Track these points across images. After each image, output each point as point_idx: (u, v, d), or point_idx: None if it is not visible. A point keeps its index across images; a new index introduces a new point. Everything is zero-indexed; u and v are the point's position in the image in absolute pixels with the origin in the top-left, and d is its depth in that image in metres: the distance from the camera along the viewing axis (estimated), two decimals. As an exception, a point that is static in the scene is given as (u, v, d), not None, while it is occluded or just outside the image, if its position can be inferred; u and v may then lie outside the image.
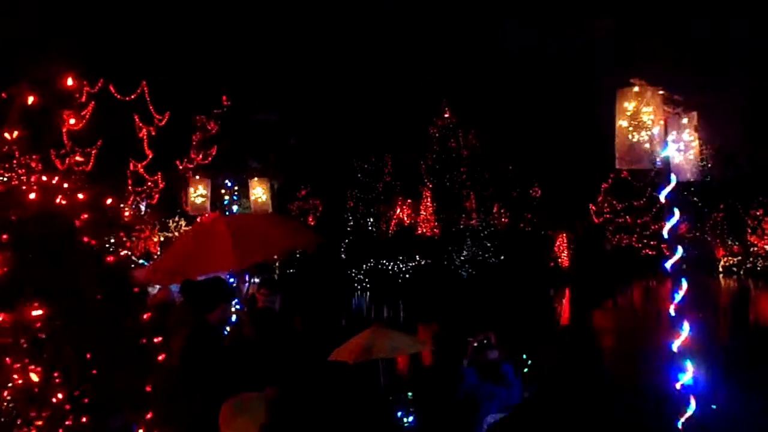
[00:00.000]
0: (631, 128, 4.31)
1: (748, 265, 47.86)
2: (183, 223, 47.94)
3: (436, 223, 46.46)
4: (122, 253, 4.32)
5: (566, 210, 48.57)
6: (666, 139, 4.70)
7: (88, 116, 34.97)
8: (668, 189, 4.58)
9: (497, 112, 46.67)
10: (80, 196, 4.07)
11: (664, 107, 4.54)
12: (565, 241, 47.29)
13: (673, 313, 4.48)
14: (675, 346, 4.45)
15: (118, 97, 39.24)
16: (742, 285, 41.71)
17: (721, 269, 48.44)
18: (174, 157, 40.76)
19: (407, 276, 36.91)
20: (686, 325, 4.44)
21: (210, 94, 45.42)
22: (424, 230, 46.34)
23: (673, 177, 4.62)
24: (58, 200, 3.76)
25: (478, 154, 49.20)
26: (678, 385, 4.40)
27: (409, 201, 48.85)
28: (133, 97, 40.95)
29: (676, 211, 4.55)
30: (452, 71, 47.59)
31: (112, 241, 4.31)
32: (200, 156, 39.01)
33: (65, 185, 4.03)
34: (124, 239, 4.25)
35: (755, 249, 48.93)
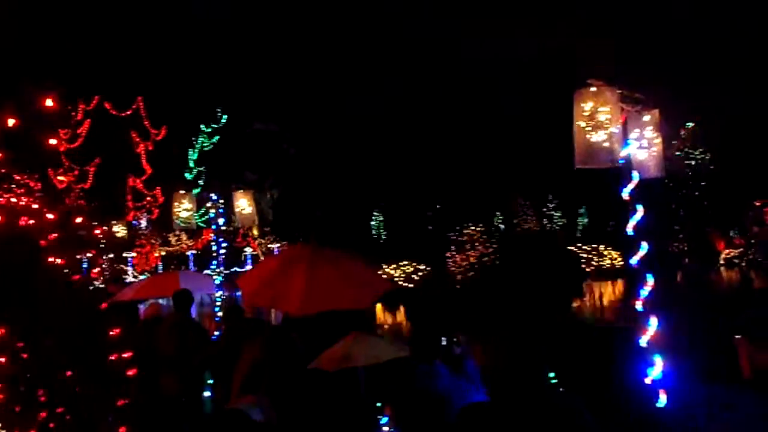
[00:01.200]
0: (589, 128, 4.37)
1: (750, 256, 47.84)
2: (184, 237, 48.06)
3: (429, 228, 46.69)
4: (95, 271, 4.37)
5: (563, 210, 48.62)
6: (628, 137, 4.76)
7: (84, 133, 35.12)
8: (631, 186, 4.64)
9: (490, 116, 46.77)
10: (49, 216, 4.12)
11: (623, 105, 4.60)
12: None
13: (640, 309, 4.52)
14: (643, 341, 4.49)
15: (114, 113, 39.41)
16: (745, 276, 41.66)
17: (722, 261, 48.41)
18: (173, 171, 40.78)
19: (407, 282, 37.00)
20: (654, 320, 4.49)
21: (208, 105, 45.58)
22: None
23: (635, 174, 4.67)
24: (23, 221, 3.83)
25: (473, 158, 49.43)
26: (648, 380, 4.44)
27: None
28: (129, 113, 41.12)
29: (640, 208, 4.61)
30: (447, 78, 47.70)
31: (87, 258, 4.36)
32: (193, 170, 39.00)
33: (34, 206, 4.08)
34: (96, 259, 4.30)
35: (754, 240, 48.90)
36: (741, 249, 48.90)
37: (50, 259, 3.83)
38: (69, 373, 4.04)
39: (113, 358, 3.97)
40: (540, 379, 2.96)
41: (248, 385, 4.12)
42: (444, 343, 4.83)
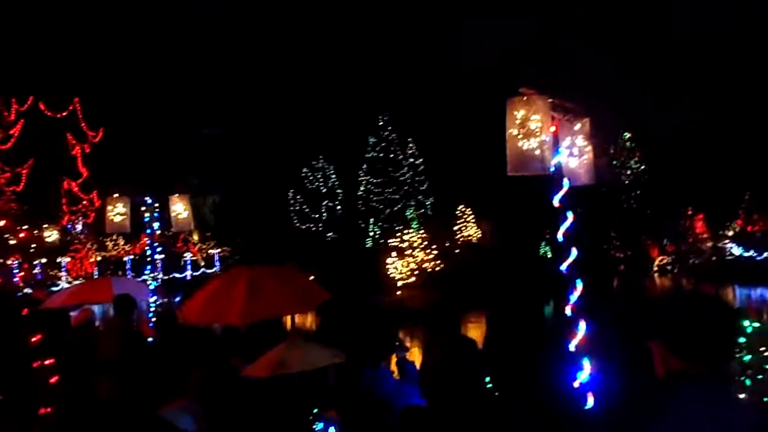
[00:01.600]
0: (520, 136, 4.45)
1: (682, 264, 49.35)
2: (121, 241, 47.01)
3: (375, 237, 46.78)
4: (19, 276, 4.23)
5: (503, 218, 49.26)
6: (559, 145, 4.86)
7: (17, 134, 34.03)
8: (561, 193, 4.73)
9: (432, 123, 47.16)
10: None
11: (554, 114, 4.69)
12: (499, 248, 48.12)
13: (569, 314, 4.61)
14: (572, 345, 4.58)
15: (50, 114, 38.34)
16: (676, 282, 42.99)
17: (656, 268, 49.79)
18: (111, 174, 39.90)
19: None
20: (582, 325, 4.59)
21: (150, 108, 44.79)
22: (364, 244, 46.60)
23: (566, 181, 4.77)
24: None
25: (417, 163, 49.73)
26: (576, 384, 4.53)
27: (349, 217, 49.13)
28: (65, 114, 40.07)
29: (570, 215, 4.70)
30: (390, 84, 47.84)
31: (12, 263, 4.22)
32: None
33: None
34: (20, 262, 4.16)
35: (686, 248, 50.52)
36: (673, 256, 50.41)
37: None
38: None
39: (35, 365, 3.85)
40: (477, 383, 3.01)
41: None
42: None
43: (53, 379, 3.93)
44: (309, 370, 5.72)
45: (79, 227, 43.75)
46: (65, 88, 39.52)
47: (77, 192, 41.22)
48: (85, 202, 41.00)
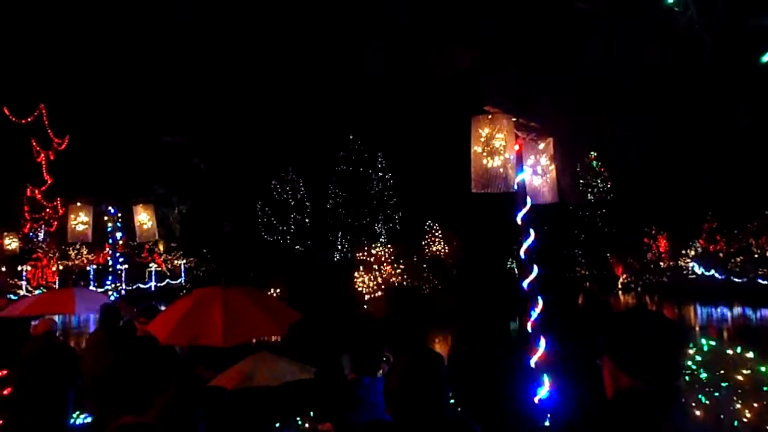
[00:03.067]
0: (485, 153, 4.50)
1: (645, 281, 50.09)
2: (84, 251, 46.29)
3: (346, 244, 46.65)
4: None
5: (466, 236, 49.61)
6: (523, 163, 4.93)
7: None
8: (524, 211, 4.79)
9: (398, 136, 47.35)
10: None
11: (518, 133, 4.76)
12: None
13: (530, 330, 4.66)
14: (532, 361, 4.63)
15: (14, 119, 37.74)
16: (639, 299, 43.59)
17: (620, 286, 50.45)
18: (76, 182, 39.28)
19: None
20: (542, 341, 4.64)
21: (116, 116, 44.26)
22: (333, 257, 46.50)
23: (528, 199, 4.84)
24: None
25: (386, 177, 49.81)
26: (536, 399, 4.58)
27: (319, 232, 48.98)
28: (30, 120, 39.46)
29: (532, 232, 4.76)
30: (355, 95, 47.91)
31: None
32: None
33: None
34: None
35: (651, 266, 51.34)
36: (637, 275, 51.14)
37: None
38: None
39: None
40: (441, 398, 3.00)
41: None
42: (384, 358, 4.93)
43: (6, 391, 3.86)
44: (274, 384, 5.71)
45: (41, 235, 42.99)
46: (30, 93, 38.96)
47: (40, 199, 40.59)
48: (48, 210, 40.35)
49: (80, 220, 8.63)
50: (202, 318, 6.59)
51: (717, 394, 5.88)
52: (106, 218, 8.89)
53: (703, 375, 5.86)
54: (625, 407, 2.18)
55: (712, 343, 6.17)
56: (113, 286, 9.40)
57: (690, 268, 50.59)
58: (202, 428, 3.69)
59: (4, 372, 3.93)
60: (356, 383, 4.71)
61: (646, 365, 2.18)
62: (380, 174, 49.80)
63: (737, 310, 36.57)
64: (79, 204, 8.86)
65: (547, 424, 4.46)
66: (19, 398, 4.48)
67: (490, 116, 4.57)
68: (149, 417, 4.57)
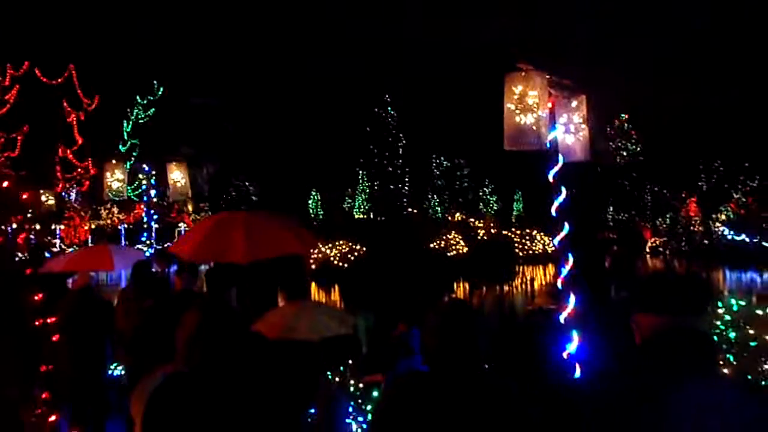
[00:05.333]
0: (518, 111, 4.51)
1: (674, 246, 49.73)
2: (115, 210, 46.99)
3: (372, 210, 46.90)
4: (21, 236, 4.30)
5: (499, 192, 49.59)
6: (556, 121, 4.93)
7: (13, 100, 33.85)
8: (556, 169, 4.81)
9: (430, 96, 47.05)
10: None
11: (551, 91, 4.75)
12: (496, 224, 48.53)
13: (560, 287, 4.71)
14: (562, 317, 4.69)
15: (45, 80, 38.07)
16: (667, 263, 43.33)
17: (648, 250, 50.15)
18: (107, 142, 39.65)
19: (342, 261, 37.10)
20: (572, 298, 4.69)
21: (146, 76, 44.46)
22: (360, 217, 46.73)
23: (560, 157, 4.85)
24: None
25: (414, 139, 49.67)
26: (565, 354, 4.65)
27: (349, 190, 49.12)
28: (60, 81, 39.79)
29: (564, 190, 4.78)
30: (386, 58, 47.62)
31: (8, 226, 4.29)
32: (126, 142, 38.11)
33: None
34: (23, 223, 4.24)
35: (679, 230, 50.94)
36: (665, 238, 50.73)
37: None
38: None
39: (37, 324, 3.93)
40: (475, 351, 3.04)
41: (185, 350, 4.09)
42: None
43: (55, 338, 4.02)
44: (314, 339, 5.76)
45: (73, 195, 43.64)
46: (61, 54, 39.20)
47: (72, 159, 41.07)
48: (80, 170, 40.83)
49: (116, 178, 8.80)
50: (224, 236, 6.83)
51: (745, 354, 5.93)
52: (141, 176, 9.03)
53: (732, 334, 5.90)
54: (651, 349, 2.26)
55: (742, 303, 6.19)
56: (148, 242, 9.57)
57: (720, 232, 50.05)
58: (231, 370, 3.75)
59: (54, 319, 4.09)
60: (407, 335, 4.80)
61: (668, 301, 2.30)
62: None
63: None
64: (114, 162, 9.02)
65: (577, 375, 4.53)
66: (58, 350, 4.67)
67: (523, 73, 4.57)
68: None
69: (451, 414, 2.98)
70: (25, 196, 4.81)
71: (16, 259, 4.06)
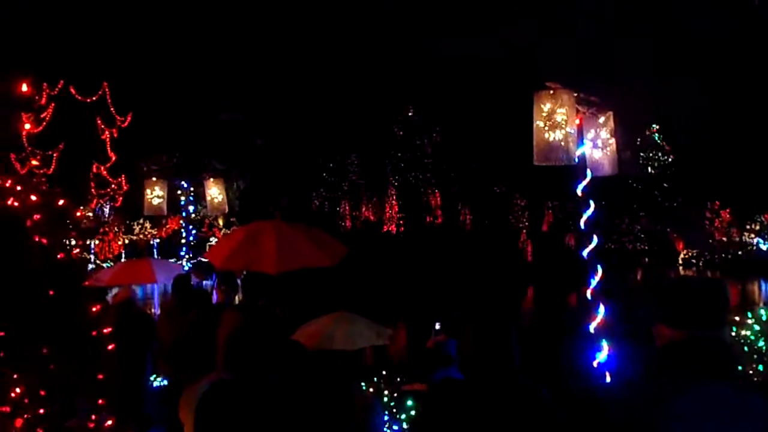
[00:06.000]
0: (547, 128, 4.68)
1: (707, 258, 49.08)
2: (148, 225, 47.74)
3: (401, 222, 47.02)
4: (75, 251, 4.55)
5: (530, 206, 49.56)
6: (584, 137, 5.09)
7: (49, 118, 34.70)
8: (584, 183, 4.96)
9: (459, 111, 47.19)
10: (33, 198, 4.30)
11: (579, 108, 4.91)
12: (526, 237, 48.43)
13: (589, 297, 4.85)
14: (592, 327, 4.82)
15: (79, 98, 38.94)
16: (699, 275, 42.81)
17: (681, 261, 49.58)
18: (138, 159, 40.40)
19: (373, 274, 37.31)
20: (602, 308, 4.82)
21: (175, 94, 45.26)
22: (389, 228, 46.88)
23: (588, 172, 5.00)
24: (10, 202, 4.02)
25: (443, 152, 49.71)
26: (595, 363, 4.78)
27: (375, 200, 49.28)
28: (95, 98, 40.65)
29: (592, 203, 4.93)
30: (413, 73, 47.94)
31: (69, 241, 4.54)
32: (164, 157, 38.86)
33: (18, 188, 4.26)
34: (77, 239, 4.50)
35: (712, 242, 50.29)
36: (698, 250, 50.11)
37: (36, 239, 4.02)
38: (45, 350, 4.21)
39: (94, 334, 4.18)
40: (510, 360, 3.19)
41: (228, 354, 4.28)
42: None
43: (110, 347, 4.26)
44: (350, 349, 5.91)
45: (106, 210, 44.45)
46: (94, 72, 40.05)
47: (106, 176, 41.83)
48: (113, 186, 41.58)
49: (156, 194, 9.11)
50: (256, 246, 7.02)
51: (775, 363, 5.98)
52: (179, 192, 9.33)
53: (761, 343, 5.96)
54: (668, 356, 2.38)
55: (772, 313, 6.25)
56: (188, 256, 9.87)
57: (755, 244, 49.34)
58: (274, 377, 3.94)
59: (110, 329, 4.33)
60: (446, 344, 4.97)
61: (685, 315, 2.39)
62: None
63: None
64: (154, 179, 9.33)
65: (608, 380, 4.65)
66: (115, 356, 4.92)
67: (551, 91, 4.74)
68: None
69: (487, 418, 3.12)
70: (79, 214, 5.05)
71: (76, 272, 4.32)
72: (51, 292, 3.90)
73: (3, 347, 4.06)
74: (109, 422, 4.14)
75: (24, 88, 5.39)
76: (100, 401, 4.15)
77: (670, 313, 2.41)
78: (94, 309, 4.20)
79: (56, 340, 4.13)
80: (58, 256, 4.11)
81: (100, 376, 4.16)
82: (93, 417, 4.19)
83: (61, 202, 4.53)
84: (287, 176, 48.79)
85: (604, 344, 4.77)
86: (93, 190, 41.28)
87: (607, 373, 4.69)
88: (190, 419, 3.94)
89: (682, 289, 2.47)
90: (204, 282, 9.76)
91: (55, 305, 3.90)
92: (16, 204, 4.12)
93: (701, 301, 2.41)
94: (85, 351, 4.12)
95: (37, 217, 4.16)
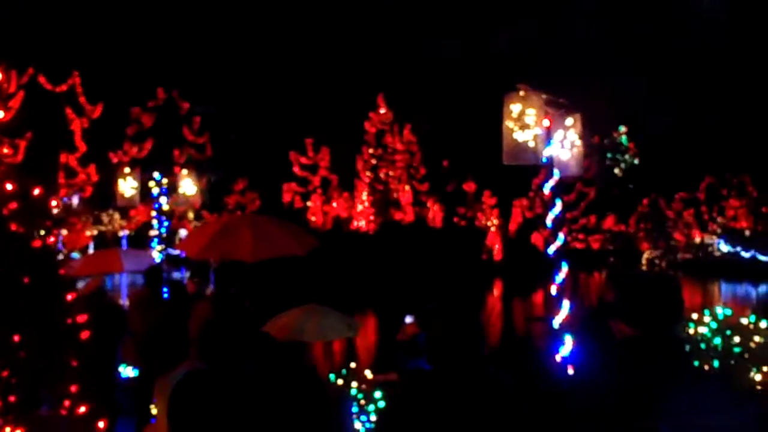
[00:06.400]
0: (516, 128, 4.84)
1: (670, 258, 49.95)
2: (117, 216, 47.25)
3: (371, 218, 47.06)
4: (50, 240, 4.60)
5: (499, 204, 49.96)
6: (551, 138, 5.25)
7: (17, 106, 34.17)
8: (551, 182, 5.12)
9: (430, 109, 47.46)
10: (8, 186, 4.34)
11: (548, 109, 5.08)
12: (498, 235, 48.82)
13: (554, 293, 5.02)
14: (555, 322, 5.00)
15: (49, 87, 38.39)
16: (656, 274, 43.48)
17: (644, 262, 50.37)
18: (108, 149, 39.96)
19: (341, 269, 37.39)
20: (566, 303, 5.00)
21: (146, 85, 44.84)
22: (359, 224, 46.95)
23: (556, 171, 5.17)
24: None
25: (413, 150, 49.83)
26: (558, 357, 4.95)
27: (345, 194, 49.25)
28: (64, 87, 40.10)
29: (558, 202, 5.10)
30: (385, 69, 48.12)
31: (43, 230, 4.57)
32: (135, 149, 38.48)
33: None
34: (52, 228, 4.54)
35: (674, 243, 51.19)
36: (661, 251, 50.98)
37: (13, 227, 4.07)
38: (16, 337, 4.25)
39: (69, 321, 4.23)
40: (476, 351, 3.32)
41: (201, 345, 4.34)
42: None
43: (85, 335, 4.32)
44: (321, 341, 6.03)
45: (75, 201, 43.89)
46: (65, 61, 39.52)
47: (75, 166, 41.28)
48: (82, 176, 41.06)
49: (129, 185, 9.12)
50: (232, 236, 7.28)
51: (732, 361, 6.21)
52: (152, 184, 9.35)
53: (716, 341, 6.19)
54: (624, 353, 2.53)
55: (727, 312, 6.48)
56: (160, 248, 9.89)
57: (715, 245, 50.36)
58: (249, 368, 4.02)
59: (86, 317, 4.39)
60: (420, 337, 5.10)
61: (639, 315, 2.54)
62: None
63: (763, 288, 36.47)
64: (127, 170, 9.34)
65: (567, 378, 4.82)
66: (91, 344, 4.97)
67: (521, 93, 4.89)
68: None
69: (453, 405, 3.26)
70: (54, 203, 5.10)
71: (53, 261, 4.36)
72: (26, 280, 3.95)
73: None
74: (83, 409, 4.19)
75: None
76: (72, 388, 4.21)
77: (625, 312, 2.55)
78: (69, 297, 4.25)
79: (30, 327, 4.18)
80: (34, 245, 4.16)
81: (75, 363, 4.21)
82: (66, 404, 4.25)
83: (36, 191, 4.57)
84: (259, 170, 48.60)
85: (568, 339, 4.94)
86: (62, 179, 40.72)
87: (570, 367, 4.86)
88: (164, 408, 4.02)
89: (636, 289, 2.60)
90: (173, 273, 9.80)
91: (31, 293, 3.95)
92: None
93: (654, 301, 2.55)
94: (60, 339, 4.18)
95: (13, 205, 4.21)
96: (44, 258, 4.18)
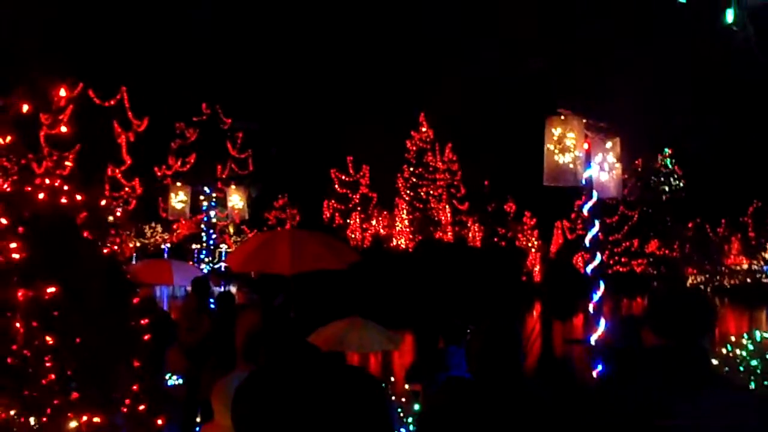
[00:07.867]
0: (557, 151, 5.01)
1: (716, 283, 49.08)
2: (159, 229, 48.23)
3: (411, 236, 47.22)
4: (114, 248, 4.90)
5: (540, 225, 49.80)
6: (591, 160, 5.42)
7: (66, 120, 35.23)
8: (590, 204, 5.28)
9: (472, 129, 47.56)
10: (78, 197, 4.67)
11: (587, 133, 5.25)
12: (537, 256, 48.65)
13: (591, 311, 5.16)
14: (593, 339, 5.13)
15: (98, 102, 39.56)
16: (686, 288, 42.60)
17: (688, 286, 49.56)
18: (153, 163, 40.89)
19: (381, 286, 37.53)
20: (602, 322, 5.13)
21: (191, 101, 45.82)
22: (399, 242, 47.13)
23: (595, 193, 5.33)
24: (61, 200, 4.38)
25: (454, 169, 49.93)
26: (594, 374, 5.08)
27: (384, 213, 49.53)
28: (113, 102, 41.26)
29: (597, 223, 5.25)
30: (427, 87, 48.43)
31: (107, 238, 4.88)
32: (178, 163, 39.29)
33: (65, 187, 4.63)
34: (115, 236, 4.85)
35: (720, 268, 50.28)
36: (707, 275, 50.10)
37: (85, 234, 4.38)
38: (78, 339, 4.53)
39: (132, 324, 4.52)
40: (516, 362, 3.45)
41: (247, 353, 4.55)
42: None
43: (146, 337, 4.60)
44: (361, 352, 6.22)
45: (119, 212, 44.77)
46: (113, 77, 40.67)
47: (120, 179, 42.30)
48: (127, 189, 42.04)
49: (180, 199, 9.47)
50: (271, 249, 7.55)
51: (766, 382, 6.24)
52: (202, 198, 9.70)
53: (753, 363, 6.23)
54: (649, 360, 2.70)
55: (766, 335, 6.51)
56: (208, 260, 10.22)
57: (764, 271, 49.34)
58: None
59: (147, 320, 4.68)
60: (444, 351, 5.29)
61: (667, 325, 2.71)
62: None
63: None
64: (179, 184, 9.70)
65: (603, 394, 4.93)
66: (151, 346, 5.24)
67: (562, 117, 5.07)
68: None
69: (493, 416, 3.41)
70: (118, 213, 5.46)
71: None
72: (98, 284, 4.24)
73: (55, 330, 4.35)
74: (142, 407, 4.46)
75: (62, 92, 5.66)
76: (134, 387, 4.48)
77: (653, 322, 2.73)
78: (134, 301, 4.55)
79: (102, 328, 4.45)
80: (104, 251, 4.47)
81: (137, 364, 4.49)
82: (127, 402, 4.52)
83: (103, 202, 4.90)
84: (299, 186, 49.18)
85: (605, 357, 5.06)
86: (107, 192, 41.75)
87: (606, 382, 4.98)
88: (223, 408, 4.21)
89: (665, 301, 2.78)
90: (216, 287, 10.10)
91: (102, 297, 4.24)
92: (65, 201, 4.48)
93: (681, 313, 2.72)
94: (126, 339, 4.46)
95: (83, 214, 4.52)
96: (112, 264, 4.48)
